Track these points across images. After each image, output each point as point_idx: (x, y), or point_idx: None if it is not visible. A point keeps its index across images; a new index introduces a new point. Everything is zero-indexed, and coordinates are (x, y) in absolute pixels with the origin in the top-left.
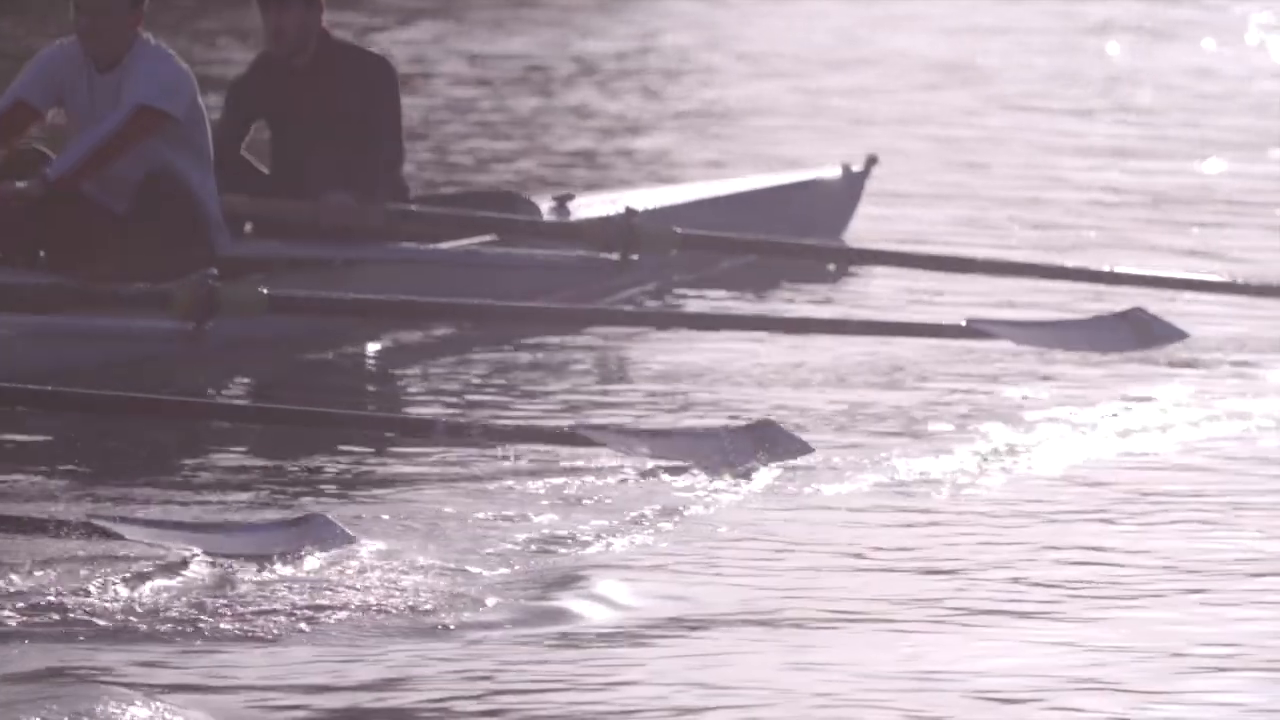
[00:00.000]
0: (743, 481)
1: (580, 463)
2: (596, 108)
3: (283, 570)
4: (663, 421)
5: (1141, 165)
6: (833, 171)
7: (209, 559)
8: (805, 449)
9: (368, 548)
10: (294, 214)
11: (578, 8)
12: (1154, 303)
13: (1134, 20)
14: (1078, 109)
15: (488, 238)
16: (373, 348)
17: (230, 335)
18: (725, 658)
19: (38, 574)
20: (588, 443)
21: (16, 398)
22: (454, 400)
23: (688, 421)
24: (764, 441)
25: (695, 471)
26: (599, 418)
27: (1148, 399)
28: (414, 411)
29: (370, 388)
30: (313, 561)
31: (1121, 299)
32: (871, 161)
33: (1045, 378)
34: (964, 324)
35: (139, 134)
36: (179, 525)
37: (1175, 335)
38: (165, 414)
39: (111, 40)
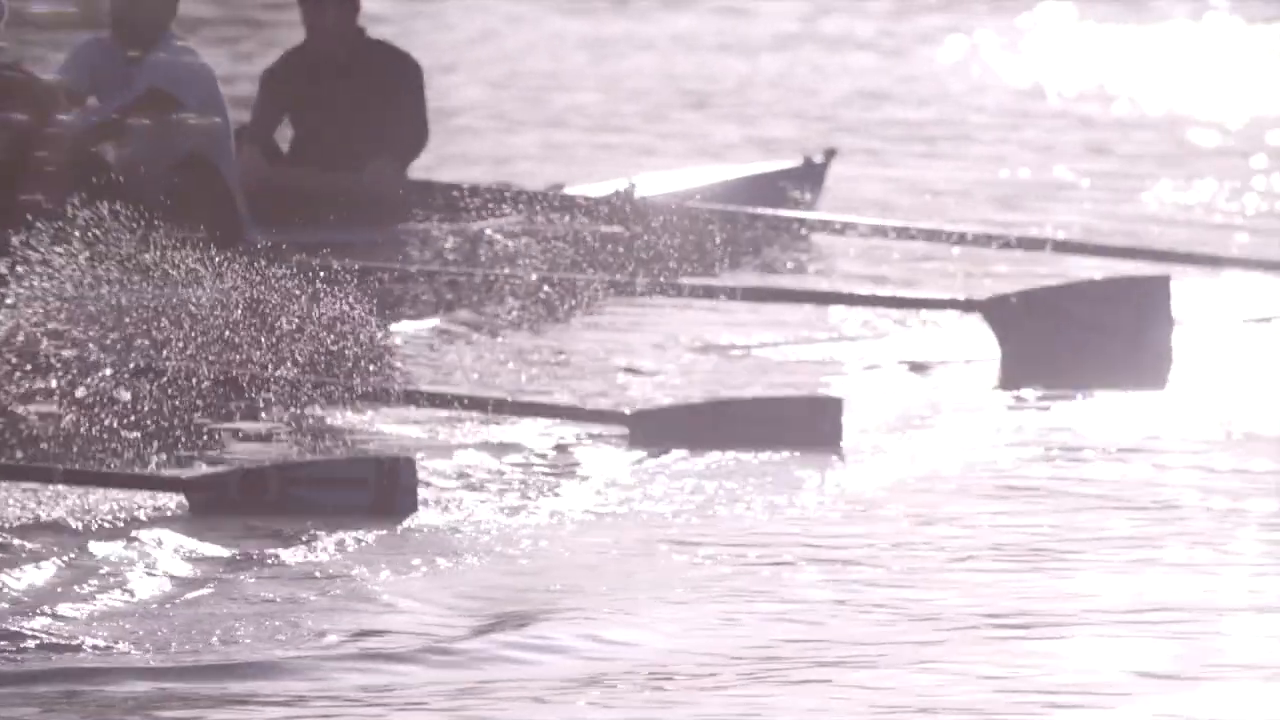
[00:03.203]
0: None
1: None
2: None
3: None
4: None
5: (901, 172)
6: (794, 163)
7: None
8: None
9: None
10: (338, 185)
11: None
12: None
13: (871, 37)
14: (818, 122)
15: (497, 220)
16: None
17: None
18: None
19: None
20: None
21: None
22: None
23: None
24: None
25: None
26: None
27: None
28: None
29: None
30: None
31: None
32: (830, 154)
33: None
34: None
35: (147, 110)
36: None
37: (1160, 381)
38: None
39: (143, 32)
